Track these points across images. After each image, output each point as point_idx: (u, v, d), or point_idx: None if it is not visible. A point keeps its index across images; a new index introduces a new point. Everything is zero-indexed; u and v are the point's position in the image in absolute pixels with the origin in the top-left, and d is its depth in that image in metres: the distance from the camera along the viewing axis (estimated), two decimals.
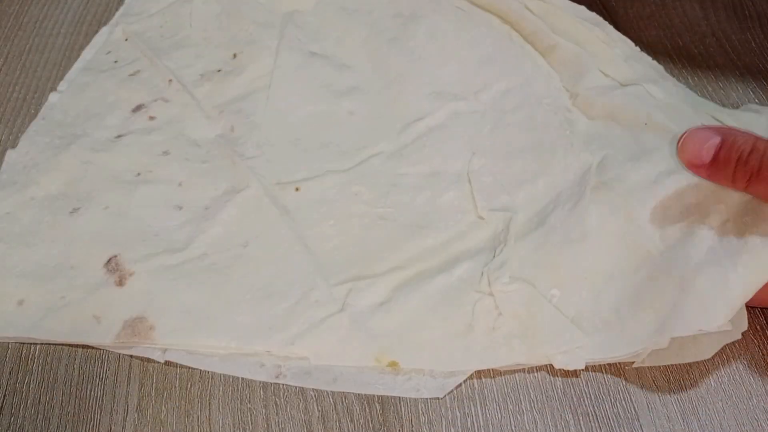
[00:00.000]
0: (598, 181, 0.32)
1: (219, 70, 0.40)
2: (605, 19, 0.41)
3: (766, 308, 0.30)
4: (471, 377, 0.29)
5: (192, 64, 0.41)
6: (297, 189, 0.34)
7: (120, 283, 0.31)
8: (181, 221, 0.33)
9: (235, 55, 0.41)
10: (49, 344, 0.30)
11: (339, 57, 0.41)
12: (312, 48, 0.41)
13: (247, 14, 0.43)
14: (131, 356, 0.30)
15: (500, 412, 0.28)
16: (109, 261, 0.32)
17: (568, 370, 0.29)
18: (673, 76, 0.39)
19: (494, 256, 0.31)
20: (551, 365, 0.29)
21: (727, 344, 0.29)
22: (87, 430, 0.28)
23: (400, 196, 0.34)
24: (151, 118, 0.38)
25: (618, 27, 0.40)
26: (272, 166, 0.35)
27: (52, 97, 0.40)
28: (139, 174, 0.35)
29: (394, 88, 0.39)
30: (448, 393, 0.28)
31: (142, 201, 0.34)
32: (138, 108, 0.38)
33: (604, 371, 0.29)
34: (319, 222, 0.33)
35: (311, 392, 0.29)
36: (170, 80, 0.40)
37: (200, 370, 0.30)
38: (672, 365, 0.29)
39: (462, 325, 0.29)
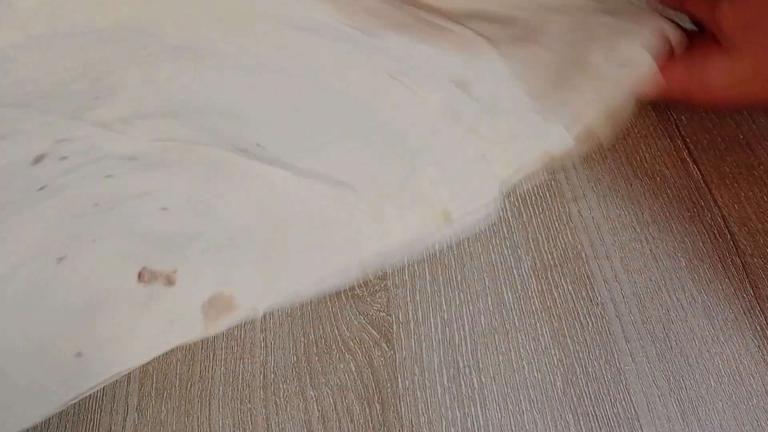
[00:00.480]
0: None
1: (96, 98, 0.38)
2: None
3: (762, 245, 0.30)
4: (471, 376, 0.29)
5: (62, 107, 0.38)
6: (258, 145, 0.35)
7: (170, 282, 0.31)
8: (177, 219, 0.33)
9: (98, 78, 0.39)
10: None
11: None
12: (182, 43, 0.41)
13: (85, 44, 0.41)
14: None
15: (500, 412, 0.28)
16: (140, 275, 0.31)
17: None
18: None
19: (460, 117, 0.36)
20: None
21: (727, 345, 0.29)
22: (87, 429, 0.28)
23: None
24: (63, 158, 0.36)
25: None
26: (223, 137, 0.36)
27: None
28: (97, 204, 0.34)
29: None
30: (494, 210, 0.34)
31: (124, 220, 0.33)
32: (39, 158, 0.36)
33: (603, 370, 0.29)
34: (298, 155, 0.35)
35: (311, 392, 0.29)
36: (49, 123, 0.37)
37: (200, 370, 0.30)
38: (673, 365, 0.29)
39: (473, 156, 0.35)
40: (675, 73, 0.32)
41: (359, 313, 0.31)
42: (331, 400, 0.29)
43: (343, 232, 0.32)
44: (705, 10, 0.33)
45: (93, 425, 0.28)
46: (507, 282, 0.32)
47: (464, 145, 0.35)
